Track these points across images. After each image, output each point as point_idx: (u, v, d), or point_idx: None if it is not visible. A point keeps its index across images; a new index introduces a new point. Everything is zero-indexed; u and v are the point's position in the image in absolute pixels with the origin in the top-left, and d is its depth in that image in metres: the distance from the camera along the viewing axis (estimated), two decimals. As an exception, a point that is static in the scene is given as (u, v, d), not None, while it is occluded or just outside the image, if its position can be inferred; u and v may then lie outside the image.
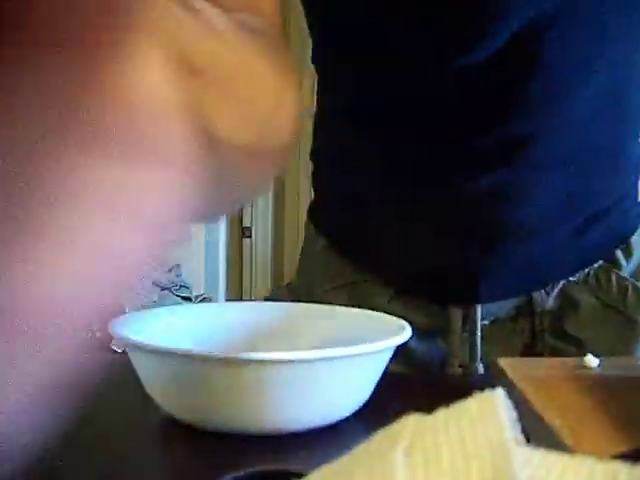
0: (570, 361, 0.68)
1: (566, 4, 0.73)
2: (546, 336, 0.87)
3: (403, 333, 0.64)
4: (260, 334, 0.76)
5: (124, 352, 0.64)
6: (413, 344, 0.84)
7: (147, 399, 0.63)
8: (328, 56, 0.86)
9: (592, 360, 0.66)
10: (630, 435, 0.48)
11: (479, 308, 0.85)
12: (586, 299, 0.86)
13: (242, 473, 0.42)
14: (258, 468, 0.42)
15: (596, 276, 0.86)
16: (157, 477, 0.54)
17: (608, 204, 0.85)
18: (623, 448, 0.46)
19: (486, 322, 0.87)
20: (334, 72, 0.87)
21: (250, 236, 4.00)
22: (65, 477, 0.52)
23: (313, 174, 0.96)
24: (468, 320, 0.85)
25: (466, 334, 0.86)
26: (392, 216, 0.87)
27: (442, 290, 0.87)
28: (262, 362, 0.56)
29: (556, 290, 0.86)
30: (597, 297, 0.85)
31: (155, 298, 2.79)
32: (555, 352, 0.86)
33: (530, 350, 0.87)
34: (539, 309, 0.86)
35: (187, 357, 0.57)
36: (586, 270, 0.86)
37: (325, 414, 0.60)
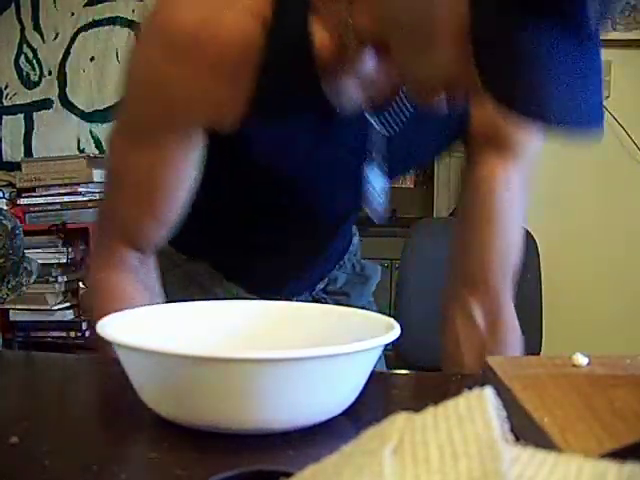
0: (559, 360, 0.68)
1: None
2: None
3: (392, 332, 0.64)
4: (248, 333, 0.75)
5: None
6: None
7: (137, 399, 0.62)
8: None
9: (581, 359, 0.67)
10: (618, 433, 0.49)
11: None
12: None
13: (231, 473, 0.42)
14: (247, 468, 0.42)
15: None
16: (146, 477, 0.54)
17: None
18: (611, 446, 0.46)
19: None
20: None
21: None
22: (54, 477, 0.51)
23: None
24: None
25: None
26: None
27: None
28: (250, 361, 0.56)
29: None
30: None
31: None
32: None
33: None
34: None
35: (175, 357, 0.57)
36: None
37: (314, 413, 0.60)
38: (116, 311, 0.71)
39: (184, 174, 0.86)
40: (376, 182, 0.92)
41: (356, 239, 1.23)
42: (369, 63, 0.81)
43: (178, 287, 1.04)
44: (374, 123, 0.88)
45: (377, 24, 0.73)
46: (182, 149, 0.84)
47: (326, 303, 1.14)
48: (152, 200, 0.87)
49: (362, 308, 1.12)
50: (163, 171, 0.85)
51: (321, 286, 1.17)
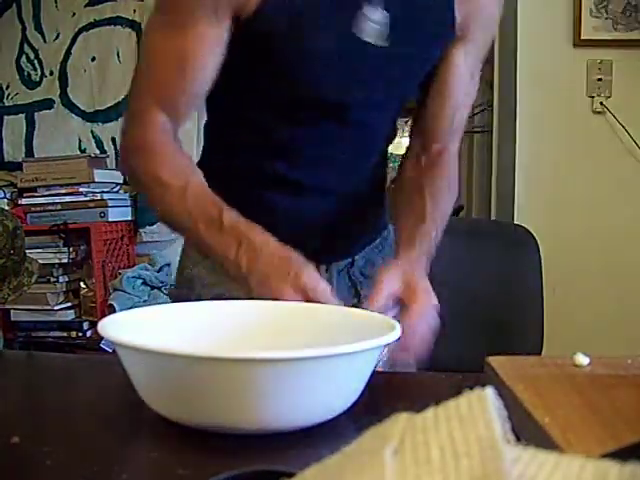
0: (560, 360, 0.68)
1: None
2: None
3: (392, 332, 0.64)
4: (248, 333, 0.75)
5: (115, 351, 0.64)
6: None
7: (137, 398, 0.62)
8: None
9: (582, 359, 0.67)
10: (619, 433, 0.49)
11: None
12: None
13: (232, 473, 0.41)
14: (248, 468, 0.42)
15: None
16: (147, 477, 0.54)
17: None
18: (612, 446, 0.46)
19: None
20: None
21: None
22: (55, 477, 0.51)
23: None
24: None
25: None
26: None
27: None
28: (251, 361, 0.56)
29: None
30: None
31: (145, 297, 2.79)
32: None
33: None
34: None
35: (175, 357, 0.57)
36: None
37: (315, 413, 0.60)
38: (158, 165, 0.93)
39: (212, 51, 0.96)
40: (374, 15, 0.98)
41: (391, 230, 1.25)
42: None
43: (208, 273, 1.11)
44: None
45: None
46: (211, 28, 0.94)
47: (361, 288, 1.17)
48: (183, 71, 0.96)
49: None
50: (194, 46, 0.95)
51: (361, 263, 1.19)
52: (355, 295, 1.18)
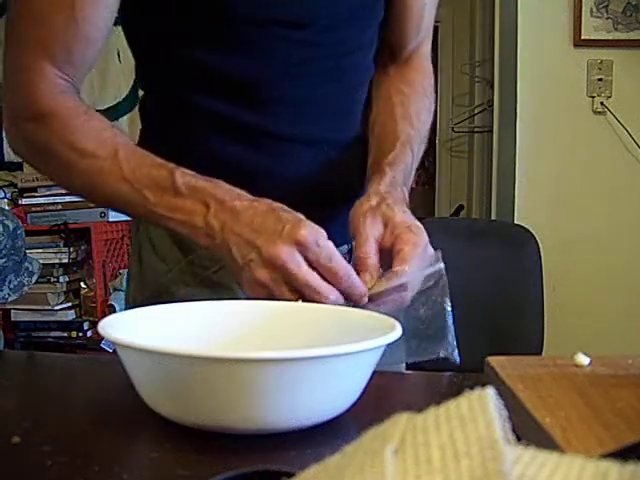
0: (560, 360, 0.68)
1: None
2: None
3: (393, 332, 0.63)
4: (249, 333, 0.75)
5: (115, 351, 0.63)
6: None
7: (137, 398, 0.62)
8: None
9: (582, 359, 0.67)
10: (620, 434, 0.49)
11: None
12: None
13: (232, 473, 0.41)
14: (248, 468, 0.42)
15: None
16: (147, 477, 0.54)
17: None
18: (613, 446, 0.46)
19: None
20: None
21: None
22: (55, 477, 0.51)
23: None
24: None
25: None
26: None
27: None
28: (252, 361, 0.56)
29: None
30: None
31: (146, 297, 2.79)
32: None
33: None
34: None
35: (175, 357, 0.57)
36: None
37: (315, 413, 0.60)
38: (75, 133, 0.76)
39: None
40: None
41: None
42: None
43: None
44: None
45: None
46: None
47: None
48: (71, 9, 0.79)
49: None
50: None
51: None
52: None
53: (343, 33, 0.92)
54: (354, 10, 0.91)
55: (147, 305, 0.73)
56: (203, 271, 0.91)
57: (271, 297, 0.72)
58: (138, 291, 0.99)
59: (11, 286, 2.04)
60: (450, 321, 0.78)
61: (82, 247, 2.87)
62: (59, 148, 0.79)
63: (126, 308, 0.98)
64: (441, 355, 0.78)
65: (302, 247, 0.68)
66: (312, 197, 0.89)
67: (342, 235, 0.82)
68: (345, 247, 0.96)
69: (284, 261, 0.68)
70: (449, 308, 0.78)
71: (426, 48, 1.05)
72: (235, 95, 0.89)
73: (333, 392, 0.60)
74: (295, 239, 0.68)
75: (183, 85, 0.91)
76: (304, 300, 0.72)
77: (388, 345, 0.62)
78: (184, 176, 0.74)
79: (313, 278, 0.70)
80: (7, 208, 2.74)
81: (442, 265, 0.76)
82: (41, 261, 2.32)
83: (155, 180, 0.75)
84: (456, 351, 0.79)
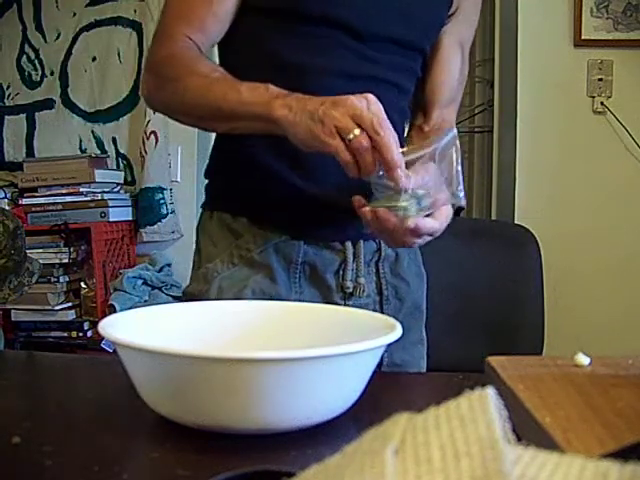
0: (561, 360, 0.68)
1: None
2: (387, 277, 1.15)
3: (394, 332, 0.64)
4: (249, 333, 0.75)
5: (115, 351, 0.63)
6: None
7: (137, 398, 0.62)
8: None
9: (583, 359, 0.67)
10: (620, 433, 0.49)
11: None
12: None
13: (233, 473, 0.41)
14: (249, 468, 0.42)
15: None
16: (147, 477, 0.54)
17: None
18: (613, 446, 0.46)
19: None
20: None
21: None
22: (55, 477, 0.51)
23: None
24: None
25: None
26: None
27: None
28: (252, 361, 0.56)
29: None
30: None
31: (146, 297, 2.79)
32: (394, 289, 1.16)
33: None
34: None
35: (175, 357, 0.57)
36: None
37: (316, 413, 0.60)
38: (193, 64, 1.00)
39: None
40: None
41: None
42: None
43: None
44: None
45: None
46: None
47: (387, 288, 1.13)
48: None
49: (415, 304, 1.14)
50: None
51: (390, 253, 1.14)
52: (378, 293, 1.13)
53: (392, 58, 1.09)
54: (405, 36, 1.10)
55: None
56: (247, 253, 1.10)
57: (344, 141, 0.84)
58: (195, 280, 1.16)
59: (11, 286, 2.03)
60: (460, 176, 0.93)
61: (82, 247, 2.87)
62: (180, 72, 1.01)
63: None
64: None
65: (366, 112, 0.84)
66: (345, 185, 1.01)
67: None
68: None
69: (351, 100, 0.84)
70: (459, 168, 0.94)
71: (451, 117, 1.23)
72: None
73: (333, 392, 0.60)
74: (364, 104, 0.84)
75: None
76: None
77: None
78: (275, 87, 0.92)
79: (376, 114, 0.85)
80: (7, 208, 2.74)
81: (455, 131, 0.93)
82: (41, 261, 2.31)
83: (254, 85, 0.93)
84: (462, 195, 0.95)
